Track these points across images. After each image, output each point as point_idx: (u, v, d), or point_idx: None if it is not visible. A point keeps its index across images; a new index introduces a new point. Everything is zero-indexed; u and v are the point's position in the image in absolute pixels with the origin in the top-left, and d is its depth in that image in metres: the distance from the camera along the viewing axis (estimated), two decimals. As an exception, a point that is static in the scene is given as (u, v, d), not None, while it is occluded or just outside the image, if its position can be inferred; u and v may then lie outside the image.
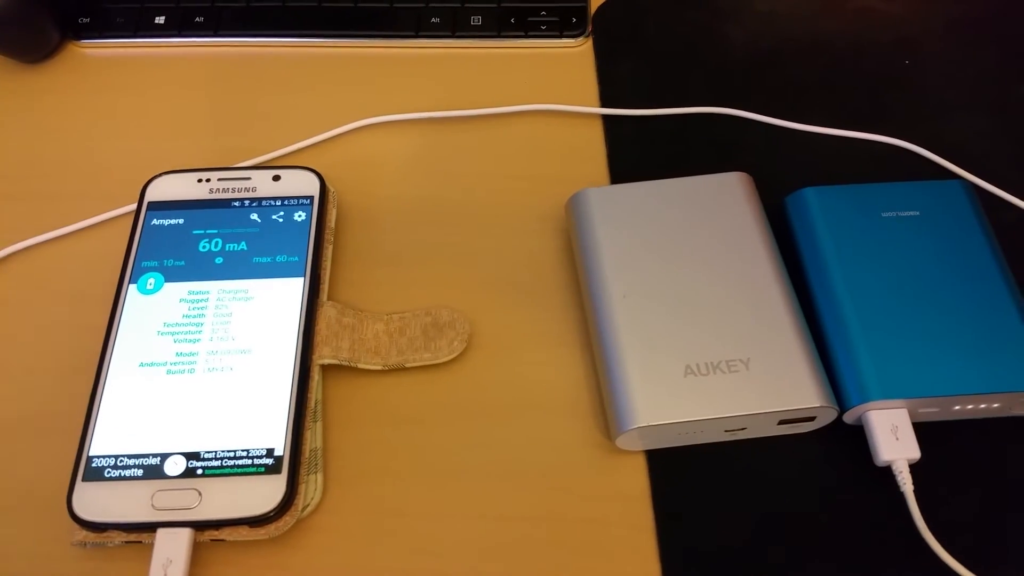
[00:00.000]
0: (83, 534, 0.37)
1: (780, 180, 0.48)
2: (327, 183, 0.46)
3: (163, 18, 0.56)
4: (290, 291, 0.42)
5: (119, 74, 0.55)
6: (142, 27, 0.56)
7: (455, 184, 0.49)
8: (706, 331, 0.40)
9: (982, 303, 0.40)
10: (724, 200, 0.44)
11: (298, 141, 0.51)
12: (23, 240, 0.47)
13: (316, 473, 0.38)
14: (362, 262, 0.46)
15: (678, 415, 0.37)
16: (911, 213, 0.43)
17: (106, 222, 0.48)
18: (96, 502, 0.37)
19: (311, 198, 0.45)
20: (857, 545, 0.38)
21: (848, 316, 0.40)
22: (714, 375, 0.38)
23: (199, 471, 0.37)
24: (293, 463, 0.37)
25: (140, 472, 0.37)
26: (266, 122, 0.52)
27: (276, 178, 0.46)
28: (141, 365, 0.40)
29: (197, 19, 0.56)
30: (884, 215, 0.43)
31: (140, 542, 0.37)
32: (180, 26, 0.56)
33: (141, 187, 0.46)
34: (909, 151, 0.49)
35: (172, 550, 0.36)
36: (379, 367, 0.41)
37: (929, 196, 0.44)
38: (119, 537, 0.37)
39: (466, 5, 0.56)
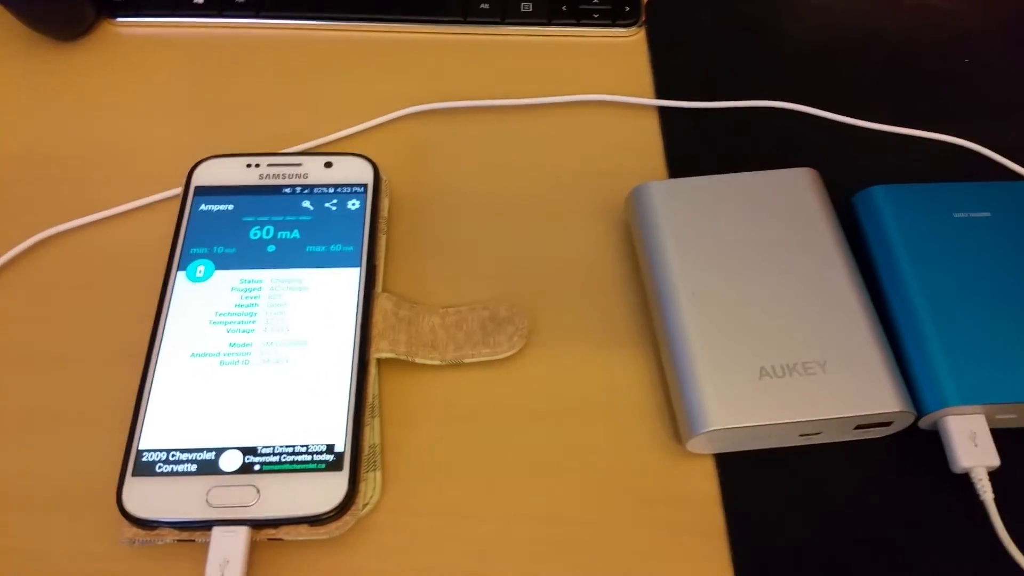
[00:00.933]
0: (133, 531, 0.35)
1: (841, 178, 0.46)
2: (380, 170, 0.45)
3: (202, -2, 0.55)
4: (346, 281, 0.40)
5: (156, 54, 0.53)
6: (180, 6, 0.54)
7: (505, 175, 0.48)
8: (780, 332, 0.38)
9: (1057, 307, 0.39)
10: (792, 196, 0.42)
11: (344, 128, 0.49)
12: (61, 223, 0.45)
13: (375, 471, 0.37)
14: (412, 253, 0.45)
15: (754, 418, 0.36)
16: (982, 214, 0.42)
17: (148, 206, 0.46)
18: (147, 498, 0.35)
19: (365, 186, 0.43)
20: (936, 555, 0.36)
21: (923, 319, 0.39)
22: (790, 377, 0.37)
23: (256, 467, 0.36)
24: (354, 460, 0.36)
25: (194, 467, 0.36)
26: (310, 108, 0.50)
27: (328, 164, 0.44)
28: (193, 356, 0.38)
29: (238, 0, 0.54)
30: (956, 215, 0.42)
31: (193, 540, 0.35)
32: (220, 7, 0.54)
33: (187, 171, 0.44)
34: (972, 151, 0.48)
35: (229, 550, 0.34)
36: (437, 362, 0.40)
37: (999, 197, 0.43)
38: (171, 535, 0.35)
39: (516, -9, 0.54)
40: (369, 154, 0.48)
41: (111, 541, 0.36)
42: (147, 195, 0.46)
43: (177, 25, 0.55)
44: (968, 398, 0.37)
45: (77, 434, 0.39)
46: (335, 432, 0.36)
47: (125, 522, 0.35)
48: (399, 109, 0.50)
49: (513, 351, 0.40)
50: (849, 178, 0.46)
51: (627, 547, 0.36)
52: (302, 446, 0.36)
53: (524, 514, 0.37)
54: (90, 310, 0.43)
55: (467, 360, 0.40)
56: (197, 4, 0.54)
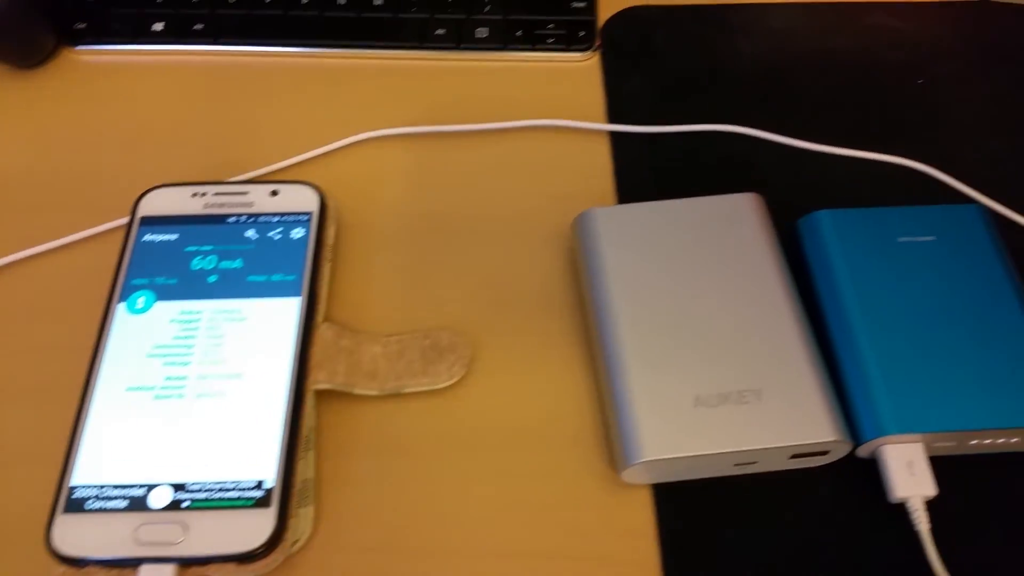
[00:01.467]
0: (62, 569, 0.35)
1: (791, 201, 0.46)
2: (327, 198, 0.45)
3: (161, 25, 0.55)
4: (285, 312, 0.40)
5: (115, 82, 0.54)
6: (140, 34, 0.55)
7: (458, 200, 0.48)
8: (716, 360, 0.38)
9: (1000, 333, 0.39)
10: (735, 222, 0.42)
11: (298, 154, 0.49)
12: (7, 255, 0.45)
13: (308, 506, 0.37)
14: (360, 281, 0.45)
15: (687, 449, 0.36)
16: (927, 238, 0.42)
17: (96, 236, 0.46)
18: (77, 536, 0.35)
19: (310, 214, 0.43)
20: (871, 587, 0.36)
21: (863, 346, 0.39)
22: (725, 406, 0.37)
23: (185, 503, 0.35)
24: (283, 496, 0.36)
25: (124, 504, 0.36)
26: (265, 134, 0.51)
27: (274, 193, 0.44)
28: (128, 389, 0.38)
29: (196, 27, 0.55)
30: (900, 240, 0.42)
31: (123, 578, 0.35)
32: (179, 33, 0.55)
33: (134, 200, 0.44)
34: (923, 173, 0.48)
35: (156, 587, 0.34)
36: (375, 393, 0.40)
37: (945, 220, 0.42)
38: (100, 573, 0.35)
39: (472, 17, 0.54)
40: (321, 181, 0.48)
41: (41, 579, 0.36)
42: (98, 224, 0.46)
43: (137, 53, 0.55)
44: (906, 426, 0.37)
45: (11, 470, 0.39)
46: (265, 467, 0.36)
47: (53, 560, 0.35)
48: (353, 135, 0.50)
49: (453, 380, 0.40)
50: (798, 201, 0.46)
51: (561, 579, 0.36)
52: (231, 482, 0.36)
53: (459, 548, 0.37)
54: (32, 341, 0.43)
55: (406, 390, 0.40)
56: (157, 31, 0.55)
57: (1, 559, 0.37)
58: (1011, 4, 0.56)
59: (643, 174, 0.48)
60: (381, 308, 0.44)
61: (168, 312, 0.40)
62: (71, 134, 0.51)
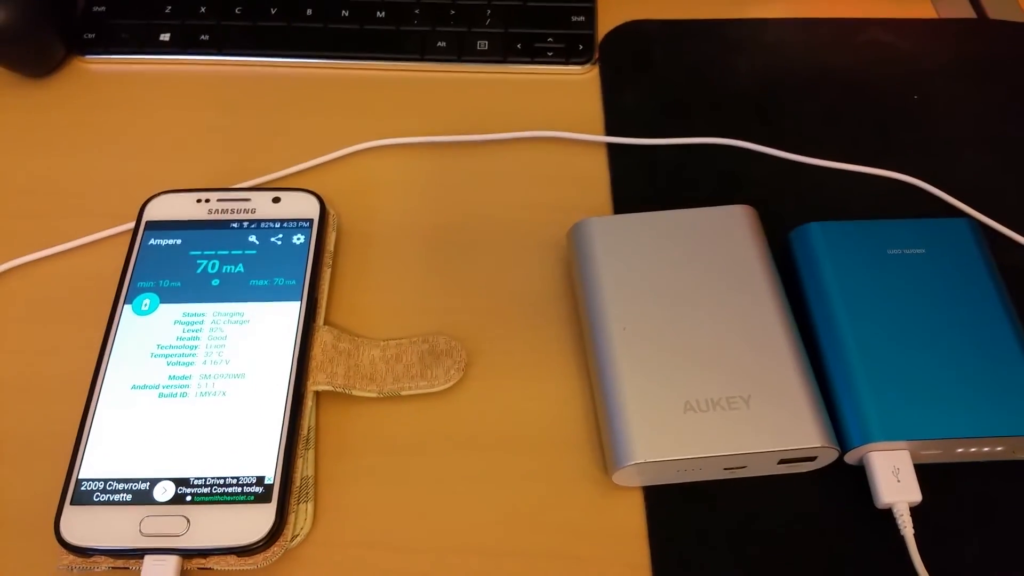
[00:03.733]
0: (70, 559, 0.36)
1: (785, 214, 0.47)
2: (327, 206, 0.46)
3: (168, 35, 0.56)
4: (286, 315, 0.41)
5: (123, 90, 0.55)
6: (147, 44, 0.56)
7: (457, 210, 0.49)
8: (706, 367, 0.39)
9: (987, 344, 0.40)
10: (728, 233, 0.43)
11: (300, 162, 0.50)
12: (19, 257, 0.46)
13: (307, 503, 0.38)
14: (361, 287, 0.46)
15: (676, 452, 0.37)
16: (917, 251, 0.43)
17: (104, 240, 0.47)
18: (84, 527, 0.36)
19: (311, 221, 0.44)
20: (856, 589, 0.37)
21: (851, 355, 0.40)
22: (714, 412, 0.38)
23: (188, 498, 0.36)
24: (283, 492, 0.37)
25: (129, 497, 0.37)
26: (269, 143, 0.52)
27: (276, 200, 0.45)
28: (133, 388, 0.39)
29: (202, 37, 0.56)
30: (890, 252, 0.43)
31: (127, 568, 0.36)
32: (185, 44, 0.56)
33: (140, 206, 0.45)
34: (916, 187, 0.49)
35: (159, 578, 0.35)
36: (374, 395, 0.41)
37: (935, 234, 0.43)
38: (106, 563, 0.36)
39: (472, 30, 0.55)
40: (323, 189, 0.49)
41: (50, 568, 0.37)
42: (106, 228, 0.47)
43: (144, 62, 0.56)
44: (892, 434, 0.38)
45: (22, 464, 0.40)
46: (266, 464, 0.37)
47: (62, 549, 0.36)
48: (355, 144, 0.51)
49: (450, 383, 0.41)
50: (792, 214, 0.47)
51: (553, 578, 0.37)
52: (233, 478, 0.37)
53: (454, 546, 0.38)
54: (42, 342, 0.44)
55: (404, 392, 0.41)
56: (164, 41, 0.56)
57: (13, 548, 0.38)
58: (1006, 22, 0.57)
59: (640, 186, 0.49)
60: (380, 313, 0.45)
61: (172, 314, 0.41)
62: (80, 141, 0.52)
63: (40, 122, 0.53)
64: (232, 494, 0.36)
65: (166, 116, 0.53)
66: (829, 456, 0.38)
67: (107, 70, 0.56)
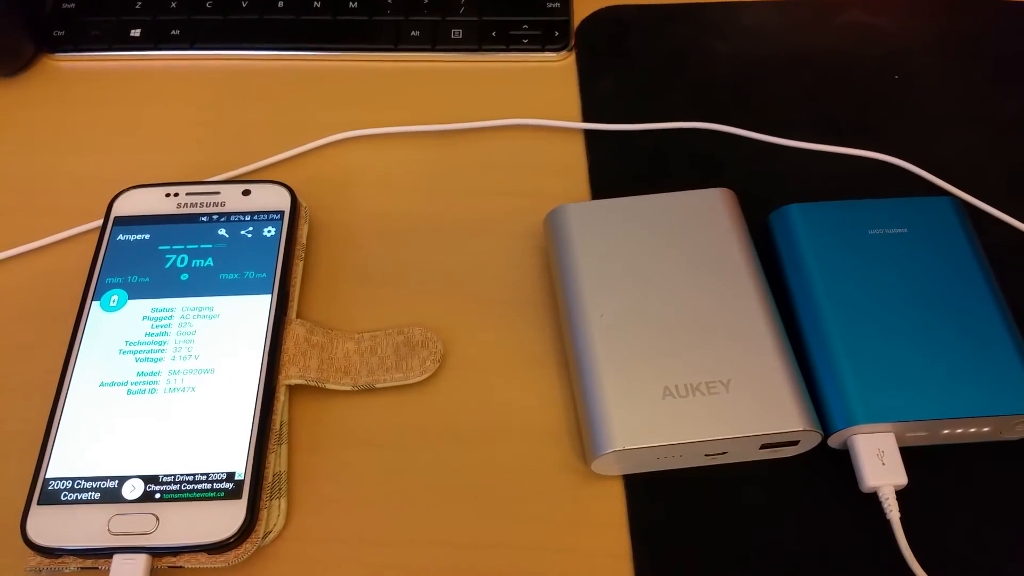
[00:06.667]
0: (37, 560, 0.35)
1: (765, 197, 0.46)
2: (299, 198, 0.45)
3: (139, 31, 0.55)
4: (257, 309, 0.41)
5: (94, 87, 0.54)
6: (118, 40, 0.55)
7: (433, 200, 0.48)
8: (685, 352, 0.38)
9: (971, 324, 0.39)
10: (706, 217, 0.42)
11: (274, 155, 0.49)
12: (-12, 255, 0.46)
13: (279, 499, 0.37)
14: (336, 279, 0.45)
15: (656, 439, 0.36)
16: (899, 230, 0.42)
17: (74, 237, 0.47)
18: (51, 527, 0.35)
19: (281, 213, 0.44)
20: (842, 574, 0.36)
21: (833, 337, 0.39)
22: (693, 397, 0.37)
23: (157, 495, 0.36)
24: (254, 488, 0.36)
25: (97, 496, 0.36)
26: (242, 136, 0.51)
27: (246, 192, 0.44)
28: (101, 385, 0.39)
29: (173, 32, 0.55)
30: (871, 232, 0.42)
31: (96, 568, 0.35)
32: (156, 39, 0.55)
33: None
34: (898, 167, 0.48)
35: (129, 577, 0.34)
36: (348, 388, 0.40)
37: (917, 213, 0.43)
38: (74, 563, 0.35)
39: (446, 18, 0.55)
40: (296, 182, 0.48)
41: (17, 570, 0.36)
42: (76, 226, 0.47)
43: (115, 58, 0.55)
44: (876, 416, 0.37)
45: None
46: (236, 460, 0.36)
47: (30, 550, 0.35)
48: (329, 136, 0.50)
49: (426, 375, 0.41)
50: (772, 197, 0.46)
51: (535, 571, 0.36)
52: (202, 474, 0.36)
53: (431, 539, 0.37)
54: (9, 339, 0.43)
55: (379, 385, 0.40)
56: (134, 37, 0.55)
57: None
58: None
59: (617, 172, 0.49)
60: (355, 305, 0.44)
61: (141, 310, 0.41)
62: (51, 139, 0.51)
63: (10, 121, 0.52)
64: (202, 491, 0.36)
65: (138, 112, 0.52)
66: (812, 440, 0.38)
67: (77, 67, 0.55)
